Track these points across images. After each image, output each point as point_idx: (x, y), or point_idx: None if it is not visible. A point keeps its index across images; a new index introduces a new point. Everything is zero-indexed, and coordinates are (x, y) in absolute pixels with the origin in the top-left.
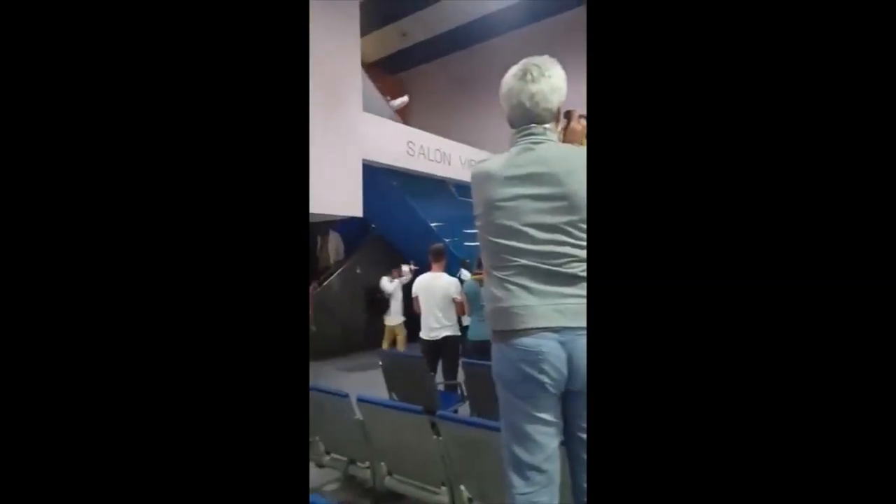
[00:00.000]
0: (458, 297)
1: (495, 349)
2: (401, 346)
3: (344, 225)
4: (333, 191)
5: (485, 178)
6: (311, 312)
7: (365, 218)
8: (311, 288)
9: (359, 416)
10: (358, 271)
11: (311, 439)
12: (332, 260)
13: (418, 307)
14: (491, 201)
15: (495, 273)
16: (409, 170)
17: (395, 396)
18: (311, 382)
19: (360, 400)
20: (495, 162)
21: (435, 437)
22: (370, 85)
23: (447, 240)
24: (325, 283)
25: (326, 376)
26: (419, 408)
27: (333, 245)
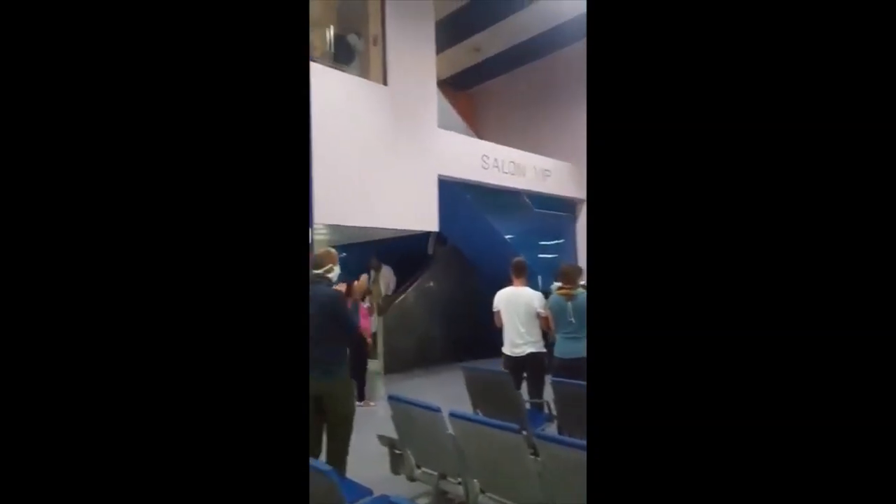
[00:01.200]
0: (543, 312)
1: None
2: None
3: (403, 242)
4: (410, 206)
5: None
6: (368, 326)
7: (425, 234)
8: (367, 308)
9: (450, 430)
10: (431, 285)
11: (401, 452)
12: (384, 293)
13: (499, 321)
14: None
15: None
16: (483, 183)
17: (479, 412)
18: (397, 394)
19: (453, 415)
20: None
21: (532, 456)
22: (444, 101)
23: (522, 252)
24: (402, 298)
25: (405, 390)
26: (515, 426)
27: (385, 280)
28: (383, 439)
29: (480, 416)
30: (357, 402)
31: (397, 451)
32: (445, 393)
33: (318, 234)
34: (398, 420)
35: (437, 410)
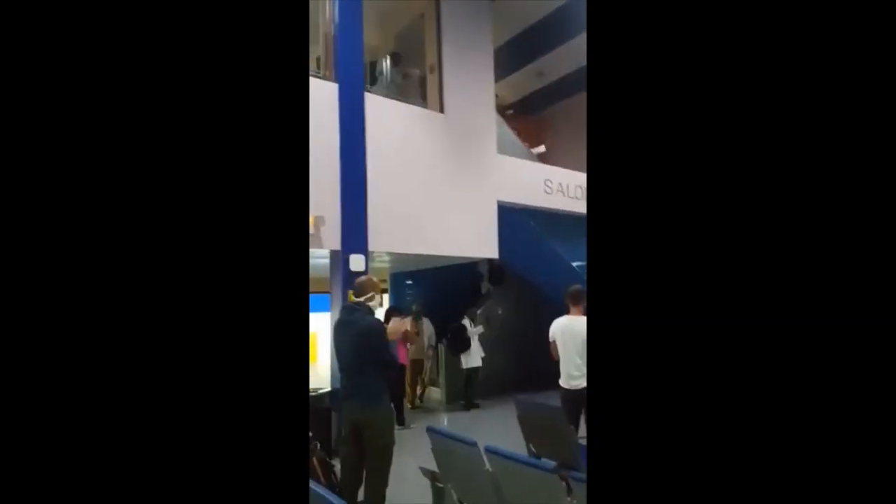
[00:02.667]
0: None
1: None
2: None
3: (466, 270)
4: (469, 233)
5: None
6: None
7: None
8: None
9: (489, 466)
10: (494, 313)
11: (442, 486)
12: (426, 346)
13: (556, 352)
14: None
15: None
16: (547, 208)
17: (532, 448)
18: (438, 427)
19: (489, 450)
20: None
21: (569, 498)
22: (505, 127)
23: None
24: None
25: (465, 420)
26: (550, 464)
27: (426, 333)
28: (425, 471)
29: (514, 453)
30: (397, 426)
31: (439, 484)
32: (506, 425)
33: (380, 261)
34: (438, 453)
35: (474, 445)
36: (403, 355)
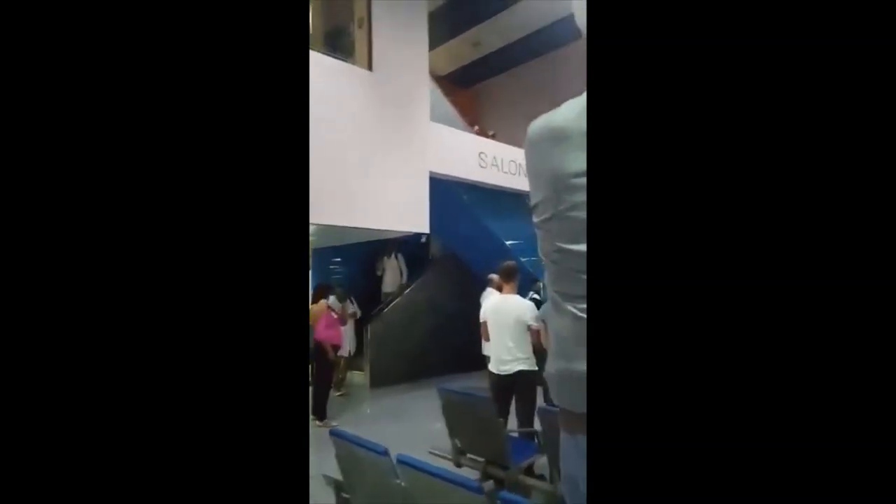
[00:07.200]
0: (535, 325)
1: (568, 443)
2: None
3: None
4: (398, 206)
5: (552, 139)
6: (335, 337)
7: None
8: (335, 318)
9: (401, 480)
10: (423, 293)
11: (347, 496)
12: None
13: (486, 334)
14: (563, 179)
15: (570, 307)
16: (480, 183)
17: (458, 443)
18: (343, 429)
19: (400, 462)
20: (569, 113)
21: None
22: (439, 94)
23: (524, 259)
24: (392, 306)
25: (388, 406)
26: (474, 482)
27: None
28: (328, 479)
29: (431, 466)
30: (317, 422)
31: (344, 495)
32: (431, 411)
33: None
34: (342, 460)
35: (384, 454)
36: (338, 336)
